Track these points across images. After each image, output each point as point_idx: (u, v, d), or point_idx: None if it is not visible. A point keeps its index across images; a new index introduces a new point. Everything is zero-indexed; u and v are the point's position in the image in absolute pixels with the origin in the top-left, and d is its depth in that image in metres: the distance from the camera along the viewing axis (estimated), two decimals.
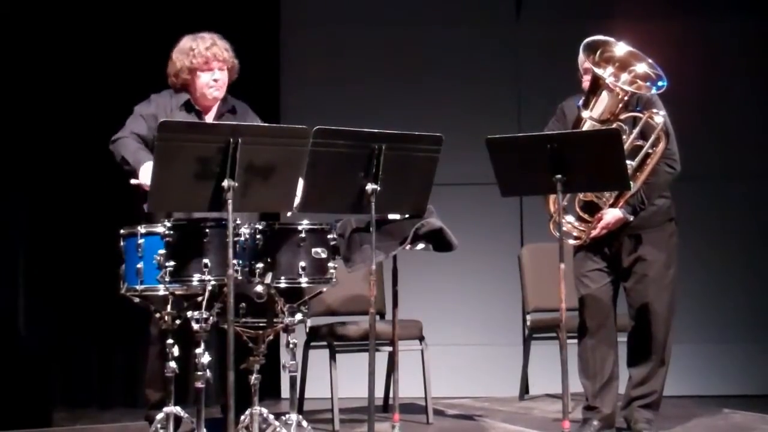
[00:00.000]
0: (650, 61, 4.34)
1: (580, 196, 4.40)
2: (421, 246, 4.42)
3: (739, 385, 6.52)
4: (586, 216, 4.44)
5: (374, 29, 6.88)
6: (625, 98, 4.31)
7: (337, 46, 6.87)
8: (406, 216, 4.34)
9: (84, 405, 6.21)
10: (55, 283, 6.21)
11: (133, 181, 4.34)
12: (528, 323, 5.84)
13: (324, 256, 4.06)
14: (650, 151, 4.30)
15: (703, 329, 6.63)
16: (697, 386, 6.48)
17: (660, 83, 4.29)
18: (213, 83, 4.49)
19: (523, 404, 5.86)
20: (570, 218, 4.43)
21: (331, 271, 4.09)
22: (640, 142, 4.31)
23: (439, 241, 4.46)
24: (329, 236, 4.10)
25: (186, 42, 4.52)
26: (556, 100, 4.68)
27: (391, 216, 4.34)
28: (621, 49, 4.36)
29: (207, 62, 4.46)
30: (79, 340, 6.28)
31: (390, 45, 6.87)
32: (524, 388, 6.07)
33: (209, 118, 4.56)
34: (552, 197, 4.40)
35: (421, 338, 5.23)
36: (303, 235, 4.03)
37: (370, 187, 4.03)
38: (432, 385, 5.22)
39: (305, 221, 4.06)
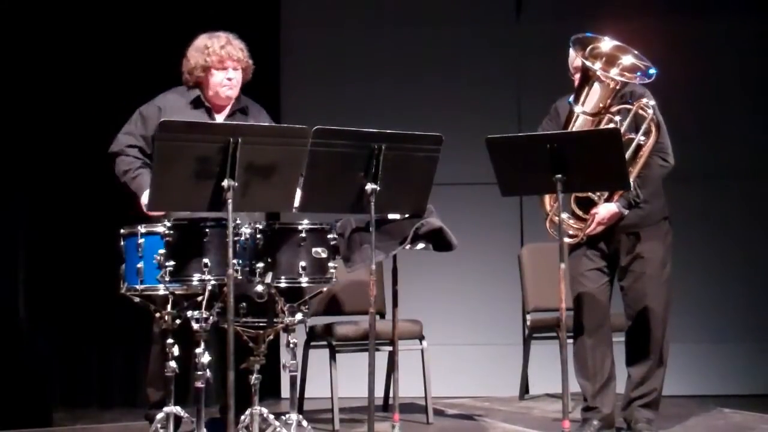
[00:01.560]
0: (636, 52, 4.36)
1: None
2: (421, 245, 4.42)
3: (739, 385, 6.52)
4: (581, 213, 4.44)
5: (374, 29, 6.88)
6: (617, 88, 4.32)
7: (337, 46, 6.88)
8: (406, 216, 4.35)
9: (84, 405, 6.21)
10: (56, 283, 6.21)
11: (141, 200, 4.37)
12: (528, 323, 5.84)
13: (324, 255, 4.06)
14: (642, 142, 4.30)
15: (703, 329, 6.63)
16: (697, 386, 6.48)
17: (650, 71, 4.30)
18: (227, 82, 4.48)
19: (523, 404, 5.86)
20: (564, 216, 4.42)
21: (331, 270, 4.09)
22: (631, 135, 4.32)
23: (438, 241, 4.46)
24: (329, 236, 4.10)
25: (201, 40, 4.52)
26: (555, 100, 4.69)
27: (390, 216, 4.34)
28: (607, 44, 4.38)
29: (221, 61, 4.46)
30: (79, 340, 6.28)
31: (390, 45, 6.87)
32: (524, 388, 6.07)
33: (220, 117, 4.56)
34: (547, 195, 4.41)
35: (421, 338, 5.23)
36: (303, 234, 4.03)
37: (369, 186, 4.03)
38: (432, 385, 5.22)
39: (305, 221, 4.06)
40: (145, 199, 4.29)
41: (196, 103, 4.53)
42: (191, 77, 4.52)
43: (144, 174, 4.40)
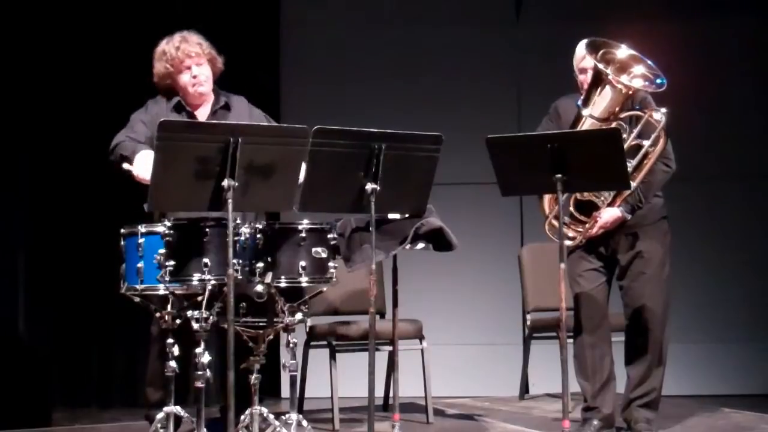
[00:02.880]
0: (649, 62, 4.34)
1: (577, 195, 4.39)
2: (421, 245, 4.42)
3: (739, 385, 6.53)
4: (582, 217, 4.44)
5: (374, 29, 6.88)
6: (630, 93, 4.30)
7: (337, 45, 6.88)
8: (406, 215, 4.34)
9: (84, 405, 6.21)
10: (56, 283, 6.21)
11: (125, 166, 4.27)
12: (528, 323, 5.84)
13: (324, 255, 4.06)
14: (650, 149, 4.30)
15: (703, 329, 6.64)
16: (697, 386, 6.48)
17: (658, 81, 4.29)
18: (193, 80, 4.46)
19: (523, 404, 5.87)
20: (566, 220, 4.41)
21: (332, 270, 4.08)
22: (637, 141, 4.31)
23: (439, 241, 4.46)
24: (329, 236, 4.10)
25: (159, 47, 4.50)
26: (555, 100, 4.68)
27: (391, 216, 4.34)
28: (623, 52, 4.35)
29: (181, 62, 4.43)
30: (79, 340, 6.28)
31: (390, 45, 6.88)
32: (524, 388, 6.08)
33: (201, 116, 4.55)
34: (546, 198, 4.41)
35: (421, 338, 5.23)
36: (303, 234, 4.02)
37: (369, 186, 4.03)
38: (432, 385, 5.22)
39: (305, 221, 4.06)
40: (137, 162, 4.23)
41: (178, 108, 4.51)
42: (162, 86, 4.52)
43: (143, 145, 4.32)
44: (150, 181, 3.79)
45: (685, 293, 6.29)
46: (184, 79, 4.46)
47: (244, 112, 4.60)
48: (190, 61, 4.44)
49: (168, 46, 4.46)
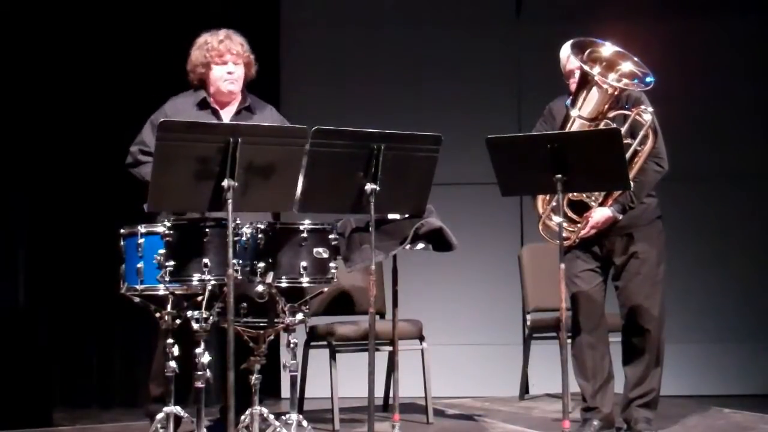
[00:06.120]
0: (636, 59, 4.34)
1: (570, 195, 4.39)
2: (420, 246, 4.42)
3: (739, 385, 6.53)
4: (575, 217, 4.44)
5: (374, 29, 6.89)
6: (615, 93, 4.30)
7: (337, 46, 6.88)
8: (406, 216, 4.34)
9: (84, 405, 6.21)
10: (56, 283, 6.22)
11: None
12: (528, 323, 5.85)
13: (325, 256, 4.06)
14: (638, 148, 4.29)
15: (703, 329, 6.64)
16: (697, 386, 6.48)
17: (647, 79, 4.29)
18: (227, 76, 4.49)
19: (523, 404, 5.87)
20: (558, 219, 4.40)
21: (332, 270, 4.09)
22: (628, 140, 4.31)
23: (438, 241, 4.46)
24: (330, 236, 4.10)
25: (202, 37, 4.56)
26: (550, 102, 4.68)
27: (390, 216, 4.34)
28: (608, 49, 4.36)
29: (221, 55, 4.48)
30: (79, 340, 6.28)
31: (390, 45, 6.88)
32: (524, 388, 6.08)
33: (226, 115, 4.56)
34: (540, 198, 4.41)
35: (421, 338, 5.23)
36: (304, 234, 4.02)
37: (369, 187, 4.03)
38: (432, 385, 5.22)
39: (307, 221, 4.06)
40: None
41: (202, 105, 4.54)
42: (194, 75, 4.54)
43: None
44: (150, 181, 3.79)
45: (685, 293, 6.30)
46: (219, 72, 4.50)
47: (268, 121, 4.59)
48: (230, 57, 4.49)
49: (211, 37, 4.52)
